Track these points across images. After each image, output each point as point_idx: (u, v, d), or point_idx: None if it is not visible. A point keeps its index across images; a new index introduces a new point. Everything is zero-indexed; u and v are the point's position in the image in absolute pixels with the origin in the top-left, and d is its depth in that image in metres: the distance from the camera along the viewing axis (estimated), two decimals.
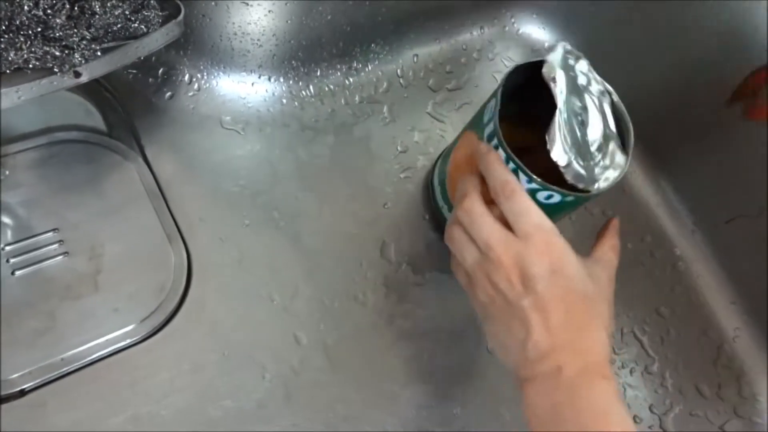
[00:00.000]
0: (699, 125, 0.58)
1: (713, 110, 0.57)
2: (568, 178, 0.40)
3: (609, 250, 0.44)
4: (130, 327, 0.47)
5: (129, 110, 0.53)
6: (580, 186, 0.41)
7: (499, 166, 0.42)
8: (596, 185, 0.41)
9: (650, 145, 0.62)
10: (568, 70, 0.43)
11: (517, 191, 0.40)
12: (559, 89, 0.41)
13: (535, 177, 0.41)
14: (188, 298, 0.49)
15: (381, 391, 0.50)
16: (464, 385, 0.52)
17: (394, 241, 0.55)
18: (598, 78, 0.44)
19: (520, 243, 0.39)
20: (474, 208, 0.41)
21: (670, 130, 0.61)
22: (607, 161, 0.43)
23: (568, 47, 0.44)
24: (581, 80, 0.43)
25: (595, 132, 0.42)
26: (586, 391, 0.37)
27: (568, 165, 0.40)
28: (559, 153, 0.40)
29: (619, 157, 0.43)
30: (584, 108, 0.43)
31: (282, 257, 0.52)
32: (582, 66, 0.44)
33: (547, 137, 0.40)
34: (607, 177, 0.42)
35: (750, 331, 0.60)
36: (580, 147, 0.41)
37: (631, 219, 0.62)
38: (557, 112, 0.41)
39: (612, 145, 0.43)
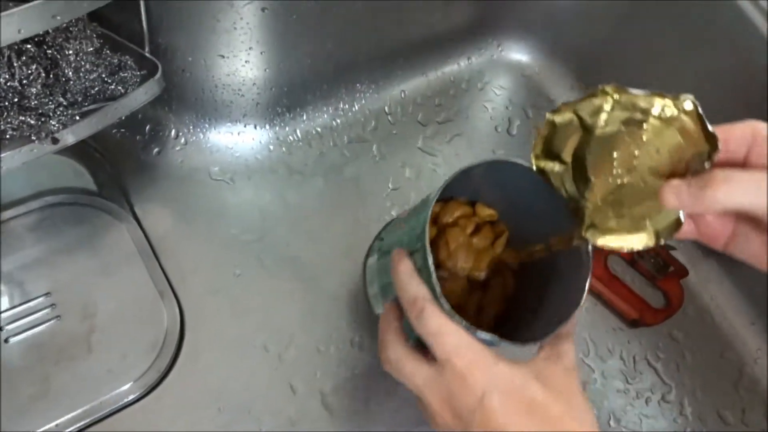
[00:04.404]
0: None
1: None
2: None
3: (558, 339, 0.37)
4: (125, 387, 0.47)
5: (118, 169, 0.54)
6: None
7: (406, 278, 0.37)
8: None
9: None
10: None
11: (427, 309, 0.35)
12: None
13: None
14: (182, 353, 0.49)
15: None
16: None
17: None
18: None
19: (441, 376, 0.34)
20: (391, 355, 0.37)
21: None
22: None
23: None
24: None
25: None
26: None
27: None
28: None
29: None
30: None
31: (275, 305, 0.52)
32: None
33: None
34: None
35: None
36: None
37: None
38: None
39: None
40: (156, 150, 0.55)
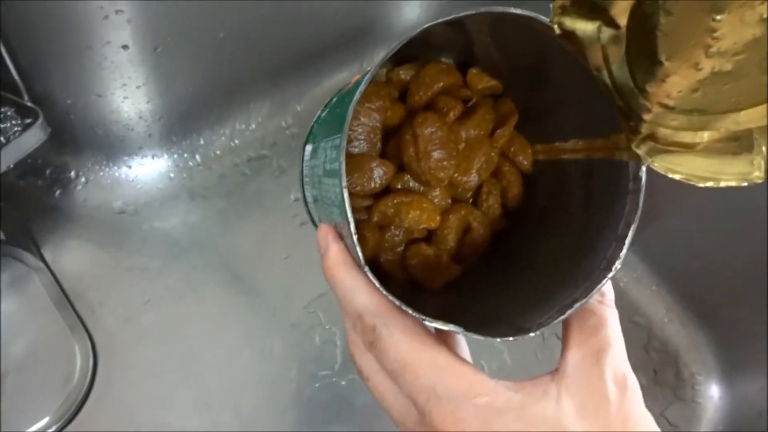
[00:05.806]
0: None
1: None
2: None
3: (589, 318, 0.26)
4: (43, 422, 0.49)
5: (24, 215, 0.56)
6: None
7: (342, 278, 0.26)
8: None
9: None
10: None
11: (382, 336, 0.25)
12: None
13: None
14: (96, 382, 0.51)
15: None
16: (386, 419, 0.52)
17: (299, 289, 0.56)
18: None
19: (423, 425, 0.25)
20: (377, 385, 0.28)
21: None
22: None
23: None
24: None
25: None
26: None
27: None
28: None
29: None
30: None
31: (184, 327, 0.53)
32: None
33: None
34: None
35: (681, 310, 0.59)
36: None
37: None
38: None
39: None
40: (58, 192, 0.57)
